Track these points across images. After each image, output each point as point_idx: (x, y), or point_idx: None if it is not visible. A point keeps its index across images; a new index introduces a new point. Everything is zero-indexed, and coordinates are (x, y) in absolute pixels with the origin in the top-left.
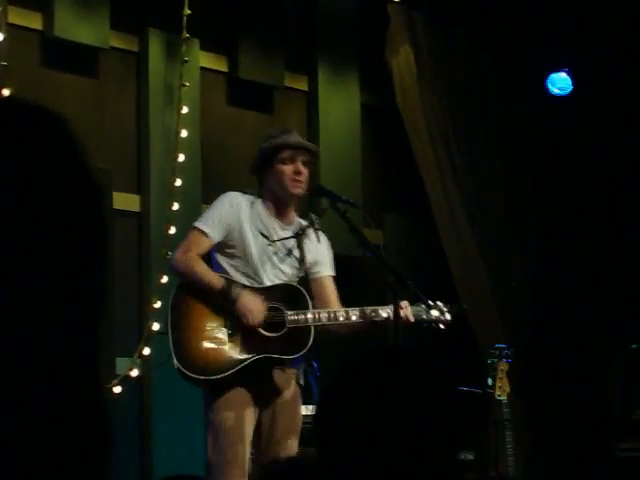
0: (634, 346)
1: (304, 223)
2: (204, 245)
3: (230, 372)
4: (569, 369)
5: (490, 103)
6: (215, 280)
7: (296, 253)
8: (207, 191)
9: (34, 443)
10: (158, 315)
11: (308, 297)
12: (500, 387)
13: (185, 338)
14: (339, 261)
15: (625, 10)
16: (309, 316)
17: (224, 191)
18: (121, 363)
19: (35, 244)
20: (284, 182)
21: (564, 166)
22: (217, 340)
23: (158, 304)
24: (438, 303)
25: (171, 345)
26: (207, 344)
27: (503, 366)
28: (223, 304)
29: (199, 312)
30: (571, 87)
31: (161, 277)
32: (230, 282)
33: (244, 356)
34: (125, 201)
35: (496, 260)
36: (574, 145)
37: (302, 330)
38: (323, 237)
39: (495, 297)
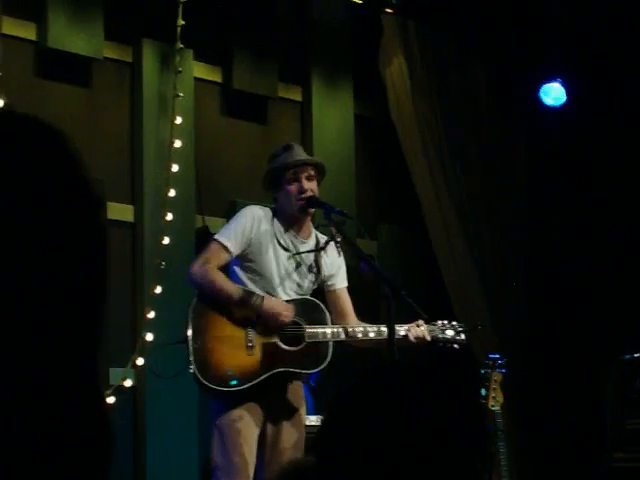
0: (627, 356)
1: (321, 237)
2: (223, 258)
3: (248, 385)
4: (562, 379)
5: (483, 114)
6: (233, 290)
7: (314, 266)
8: (201, 201)
9: (31, 457)
10: (152, 325)
11: (327, 312)
12: (494, 397)
13: (206, 349)
14: None
15: (617, 18)
16: (328, 331)
17: (222, 201)
18: (114, 373)
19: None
20: (292, 202)
21: (559, 176)
22: (237, 352)
23: (152, 314)
24: (453, 323)
25: (191, 355)
26: (227, 356)
27: (497, 376)
28: (243, 316)
29: (219, 324)
30: (565, 98)
31: (155, 287)
32: (249, 292)
33: (263, 369)
34: (119, 211)
35: (489, 270)
36: (569, 155)
37: (321, 345)
38: (340, 250)
39: (489, 307)
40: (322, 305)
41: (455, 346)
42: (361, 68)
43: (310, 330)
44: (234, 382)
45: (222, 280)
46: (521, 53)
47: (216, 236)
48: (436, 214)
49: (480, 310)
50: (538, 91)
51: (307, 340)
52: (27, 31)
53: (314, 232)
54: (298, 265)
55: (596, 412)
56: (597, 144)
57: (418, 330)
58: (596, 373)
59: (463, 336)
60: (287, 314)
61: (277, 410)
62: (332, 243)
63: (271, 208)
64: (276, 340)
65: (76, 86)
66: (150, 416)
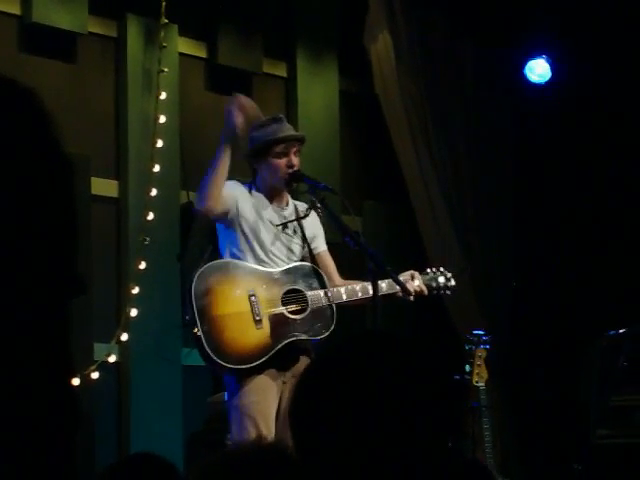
0: (611, 332)
1: (298, 203)
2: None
3: (264, 358)
4: (546, 355)
5: (469, 89)
6: (221, 147)
7: (298, 231)
8: (185, 177)
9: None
10: (136, 301)
11: (323, 275)
12: (478, 373)
13: (215, 330)
14: None
15: None
16: (329, 294)
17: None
18: (99, 349)
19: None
20: (278, 175)
21: (544, 155)
22: (246, 328)
23: (136, 290)
24: (441, 269)
25: (203, 338)
26: (237, 333)
27: (481, 352)
28: (241, 285)
29: (223, 301)
30: (550, 74)
31: (139, 263)
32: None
33: (275, 341)
34: (103, 187)
35: (474, 246)
36: (555, 132)
37: (325, 308)
38: (320, 214)
39: (473, 283)
40: (318, 269)
41: (447, 292)
42: (346, 44)
43: (312, 294)
44: (251, 358)
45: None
46: (506, 29)
47: None
48: (421, 191)
49: (465, 286)
50: (523, 68)
51: (311, 306)
52: (11, 6)
53: (290, 199)
54: (284, 232)
55: (580, 388)
56: (582, 121)
57: (414, 284)
58: (580, 349)
59: (453, 282)
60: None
61: (289, 378)
62: (311, 210)
63: (247, 182)
64: (282, 310)
65: (60, 61)
66: (134, 391)
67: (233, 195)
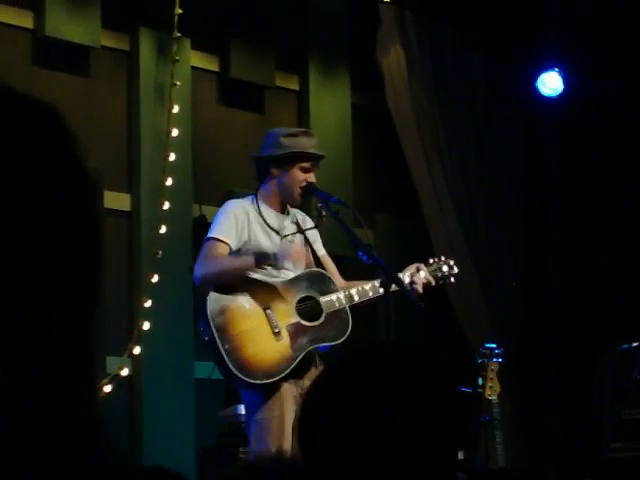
0: (625, 346)
1: (295, 211)
2: (222, 252)
3: (289, 370)
4: (559, 369)
5: (481, 102)
6: (246, 261)
7: (302, 239)
8: (198, 190)
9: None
10: (148, 314)
11: (332, 279)
12: (490, 387)
13: (237, 347)
14: (332, 261)
15: (615, 6)
16: (341, 297)
17: (219, 190)
18: (111, 362)
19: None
20: (293, 187)
21: (558, 166)
22: (267, 341)
23: (148, 303)
24: (442, 258)
25: (225, 357)
26: (259, 348)
27: (493, 366)
28: (256, 300)
29: (240, 317)
30: (563, 87)
31: (151, 276)
32: (256, 254)
33: (296, 351)
34: (115, 200)
35: (486, 259)
36: (568, 145)
37: (340, 312)
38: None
39: (485, 296)
40: (327, 273)
41: (452, 280)
42: (358, 58)
43: (324, 300)
44: (276, 371)
45: (229, 258)
46: (519, 43)
47: (208, 235)
48: (433, 204)
49: (477, 299)
50: (535, 81)
51: (326, 311)
52: (24, 19)
53: (291, 209)
54: (289, 241)
55: (593, 401)
56: (595, 134)
57: (421, 277)
58: (594, 362)
59: (456, 269)
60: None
61: (303, 387)
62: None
63: (247, 196)
64: (298, 319)
65: (73, 75)
66: (146, 405)
67: (240, 229)
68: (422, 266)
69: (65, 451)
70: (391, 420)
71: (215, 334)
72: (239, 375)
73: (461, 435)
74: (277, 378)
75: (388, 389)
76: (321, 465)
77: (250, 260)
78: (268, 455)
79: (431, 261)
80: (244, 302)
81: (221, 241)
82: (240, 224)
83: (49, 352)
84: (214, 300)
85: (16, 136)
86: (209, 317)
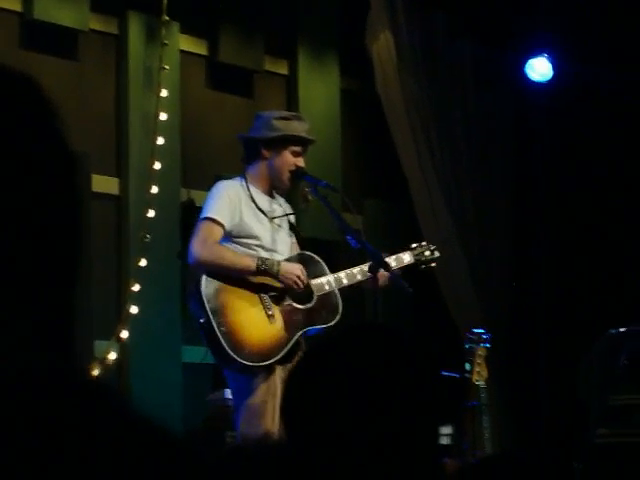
0: (612, 331)
1: (281, 199)
2: (217, 233)
3: (284, 352)
4: (547, 354)
5: (470, 88)
6: (248, 262)
7: (287, 223)
8: (186, 174)
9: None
10: (136, 298)
11: (322, 261)
12: (478, 372)
13: (233, 330)
14: (320, 246)
15: None
16: (331, 279)
17: (207, 174)
18: (99, 346)
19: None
20: (283, 171)
21: (547, 151)
22: (262, 324)
23: (136, 287)
24: (423, 243)
25: (222, 340)
26: (255, 330)
27: (481, 351)
28: (251, 284)
29: (235, 299)
30: (552, 72)
31: (139, 260)
32: (263, 259)
33: (290, 334)
34: (104, 184)
35: (474, 245)
36: (557, 131)
37: (330, 295)
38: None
39: (473, 282)
40: (316, 256)
41: (433, 265)
42: (348, 42)
43: (315, 282)
44: (271, 353)
45: (232, 253)
46: (508, 28)
47: (203, 215)
48: (422, 189)
49: (465, 284)
50: (524, 66)
51: (317, 294)
52: (12, 2)
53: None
54: (277, 225)
55: (580, 387)
56: (584, 119)
57: (405, 260)
58: (581, 348)
59: (437, 253)
60: (303, 277)
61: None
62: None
63: (237, 178)
64: (290, 302)
65: (62, 58)
66: (134, 389)
67: (232, 210)
68: (407, 251)
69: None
70: (372, 402)
71: (211, 316)
72: (236, 357)
73: (443, 418)
74: (272, 360)
75: (370, 371)
76: (305, 446)
77: (252, 265)
78: (255, 439)
79: (414, 245)
80: (238, 284)
81: (216, 221)
82: (233, 205)
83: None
84: (208, 282)
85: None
86: (204, 299)
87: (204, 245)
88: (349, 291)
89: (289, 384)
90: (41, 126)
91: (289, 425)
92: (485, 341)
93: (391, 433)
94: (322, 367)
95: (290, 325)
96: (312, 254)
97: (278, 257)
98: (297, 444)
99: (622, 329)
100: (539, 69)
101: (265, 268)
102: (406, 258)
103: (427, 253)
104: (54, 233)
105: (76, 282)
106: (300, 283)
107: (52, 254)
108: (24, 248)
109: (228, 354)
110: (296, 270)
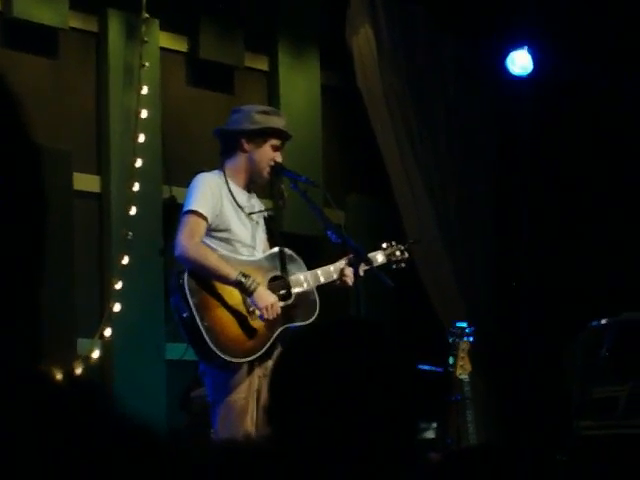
0: (594, 323)
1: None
2: (203, 226)
3: (265, 348)
4: (529, 347)
5: (451, 82)
6: (229, 271)
7: (262, 220)
8: (168, 171)
9: None
10: (119, 296)
11: (300, 258)
12: (462, 366)
13: (215, 325)
14: (301, 241)
15: None
16: (309, 277)
17: (189, 171)
18: (82, 344)
19: None
20: (262, 165)
21: (528, 145)
22: (242, 320)
23: (119, 285)
24: (393, 243)
25: (205, 335)
26: (236, 326)
27: (464, 345)
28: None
29: (217, 295)
30: (532, 66)
31: (122, 258)
32: (243, 274)
33: (270, 330)
34: (85, 182)
35: (457, 239)
36: (538, 125)
37: (308, 293)
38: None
39: (456, 276)
40: (294, 253)
41: (403, 265)
42: (328, 38)
43: (293, 279)
44: (254, 349)
45: (215, 258)
46: (488, 21)
47: (188, 207)
48: (404, 184)
49: (448, 279)
50: (505, 60)
51: (294, 291)
52: None
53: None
54: (254, 221)
55: (563, 379)
56: (565, 113)
57: (379, 259)
58: (563, 340)
59: (407, 254)
60: (274, 311)
61: (268, 367)
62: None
63: (218, 169)
64: None
65: (41, 56)
66: (118, 387)
67: (214, 203)
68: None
69: None
70: (350, 395)
71: (194, 311)
72: (218, 353)
73: (423, 412)
74: (253, 357)
75: (350, 365)
76: (289, 441)
77: (232, 276)
78: (237, 439)
79: (384, 245)
80: (220, 280)
81: (200, 215)
82: (215, 198)
83: None
84: (191, 276)
85: None
86: (187, 294)
87: (191, 241)
88: (333, 287)
89: (272, 380)
90: (3, 119)
91: (273, 420)
92: (468, 335)
93: (371, 427)
94: (304, 362)
95: (270, 322)
96: (291, 251)
97: (257, 254)
98: (281, 438)
99: (603, 321)
100: (520, 62)
101: (242, 282)
102: (379, 258)
103: (397, 253)
104: (14, 230)
105: (36, 281)
106: (269, 314)
107: (11, 252)
108: None
109: (210, 349)
110: (271, 299)
